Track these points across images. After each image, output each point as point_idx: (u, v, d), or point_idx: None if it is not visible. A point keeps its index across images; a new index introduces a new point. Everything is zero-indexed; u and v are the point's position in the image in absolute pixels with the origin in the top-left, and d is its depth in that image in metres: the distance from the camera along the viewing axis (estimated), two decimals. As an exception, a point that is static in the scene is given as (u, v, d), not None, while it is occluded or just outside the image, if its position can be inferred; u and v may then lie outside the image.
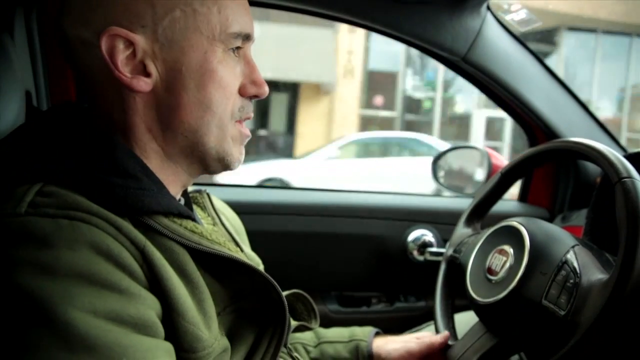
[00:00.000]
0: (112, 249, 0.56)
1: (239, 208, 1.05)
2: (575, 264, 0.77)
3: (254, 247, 0.98)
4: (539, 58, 1.45)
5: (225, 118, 0.69)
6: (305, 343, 1.00)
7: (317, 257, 1.47)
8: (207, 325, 0.64)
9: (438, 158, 1.73)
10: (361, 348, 0.99)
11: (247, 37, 0.70)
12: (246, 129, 0.74)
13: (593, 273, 0.75)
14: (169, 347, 0.60)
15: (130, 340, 0.54)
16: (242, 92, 0.71)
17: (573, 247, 0.80)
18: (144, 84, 0.65)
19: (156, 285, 0.60)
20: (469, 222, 1.08)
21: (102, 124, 0.68)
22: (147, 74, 0.65)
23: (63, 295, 0.52)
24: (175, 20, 0.64)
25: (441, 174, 1.71)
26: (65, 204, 0.57)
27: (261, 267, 0.91)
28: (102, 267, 0.55)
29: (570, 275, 0.76)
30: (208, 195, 0.88)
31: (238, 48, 0.70)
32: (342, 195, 1.58)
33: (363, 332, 1.03)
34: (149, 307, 0.58)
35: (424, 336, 1.00)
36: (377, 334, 1.05)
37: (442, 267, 1.07)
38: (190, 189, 0.85)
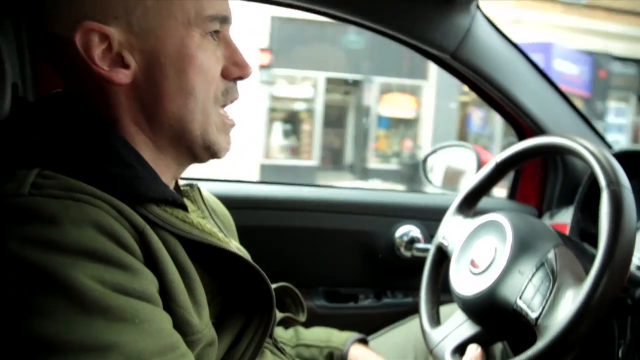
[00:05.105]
0: (115, 229, 0.57)
1: (229, 202, 1.05)
2: (555, 266, 0.77)
3: (242, 241, 0.98)
4: (528, 56, 1.45)
5: (208, 103, 0.69)
6: (284, 343, 1.00)
7: (305, 252, 1.47)
8: (197, 312, 0.65)
9: (427, 156, 1.73)
10: (335, 357, 0.99)
11: (224, 20, 0.70)
12: (230, 117, 0.74)
13: (570, 277, 0.75)
14: (170, 318, 0.61)
15: (138, 304, 0.56)
16: (225, 74, 0.71)
17: (556, 246, 0.80)
18: (123, 76, 0.65)
19: (152, 267, 0.61)
20: (460, 210, 1.08)
21: (91, 117, 0.68)
22: (126, 66, 0.65)
23: (72, 266, 0.53)
24: (148, 9, 0.64)
25: (430, 171, 1.72)
26: (69, 186, 0.58)
27: None
28: (106, 245, 0.56)
29: (547, 278, 0.76)
30: (199, 189, 0.88)
31: (216, 32, 0.69)
32: (330, 191, 1.58)
33: (340, 339, 1.02)
34: (151, 283, 0.59)
35: None
36: (362, 340, 1.04)
37: (431, 252, 1.07)
38: (181, 182, 0.85)
